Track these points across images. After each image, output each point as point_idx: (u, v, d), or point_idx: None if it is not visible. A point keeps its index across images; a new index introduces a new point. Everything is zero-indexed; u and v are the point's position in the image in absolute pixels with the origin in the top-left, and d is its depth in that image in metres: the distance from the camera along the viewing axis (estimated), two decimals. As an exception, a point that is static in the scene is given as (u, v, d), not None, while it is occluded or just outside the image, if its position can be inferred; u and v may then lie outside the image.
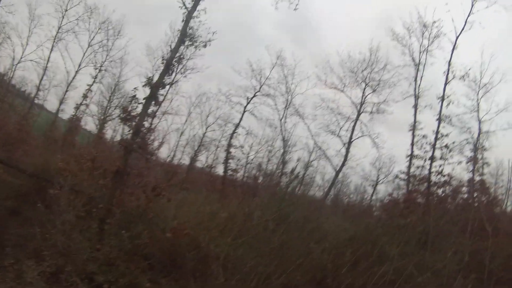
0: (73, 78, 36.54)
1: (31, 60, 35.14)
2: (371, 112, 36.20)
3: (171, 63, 13.92)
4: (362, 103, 36.17)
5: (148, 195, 13.41)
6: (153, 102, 13.78)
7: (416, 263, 12.34)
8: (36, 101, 36.04)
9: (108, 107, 37.75)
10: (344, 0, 65.63)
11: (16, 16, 34.96)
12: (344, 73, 36.66)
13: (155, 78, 13.84)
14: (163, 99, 14.53)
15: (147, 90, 13.68)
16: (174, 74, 14.36)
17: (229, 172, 34.27)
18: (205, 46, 14.53)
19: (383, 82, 35.63)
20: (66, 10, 36.24)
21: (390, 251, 12.42)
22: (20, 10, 35.19)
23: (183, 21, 14.20)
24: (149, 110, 13.82)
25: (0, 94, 30.56)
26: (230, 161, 34.65)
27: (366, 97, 36.33)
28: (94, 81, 36.36)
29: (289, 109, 37.68)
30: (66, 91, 36.27)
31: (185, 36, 14.12)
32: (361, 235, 13.89)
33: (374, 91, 36.15)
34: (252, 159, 36.52)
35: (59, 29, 36.10)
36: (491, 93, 31.53)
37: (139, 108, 13.75)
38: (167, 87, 14.41)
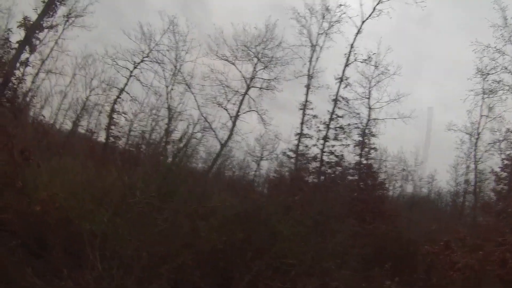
0: None
1: None
2: (260, 88, 36.77)
3: (53, 2, 12.45)
4: (252, 78, 36.62)
5: (16, 159, 12.02)
6: (27, 47, 12.27)
7: (314, 246, 12.41)
8: None
9: None
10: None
11: None
12: (236, 46, 36.59)
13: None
14: (39, 46, 12.91)
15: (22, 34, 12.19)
16: (55, 16, 12.87)
17: (111, 140, 33.20)
18: None
19: (276, 59, 36.28)
20: None
21: (284, 231, 12.33)
22: None
23: None
24: (22, 57, 12.31)
25: None
26: (112, 127, 33.52)
27: (256, 72, 36.81)
28: None
29: (177, 77, 36.82)
30: None
31: None
32: (251, 212, 13.76)
33: (265, 67, 36.75)
34: (135, 127, 35.62)
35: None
36: (384, 83, 33.95)
37: (11, 54, 12.25)
38: (46, 31, 12.90)
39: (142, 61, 35.27)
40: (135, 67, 34.94)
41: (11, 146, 12.13)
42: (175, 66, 36.58)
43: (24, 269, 8.09)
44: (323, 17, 34.70)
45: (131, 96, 34.91)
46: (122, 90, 34.41)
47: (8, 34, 12.22)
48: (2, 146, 12.11)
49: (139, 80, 35.35)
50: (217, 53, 36.58)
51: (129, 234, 10.05)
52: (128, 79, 34.58)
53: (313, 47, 34.66)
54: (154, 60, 35.94)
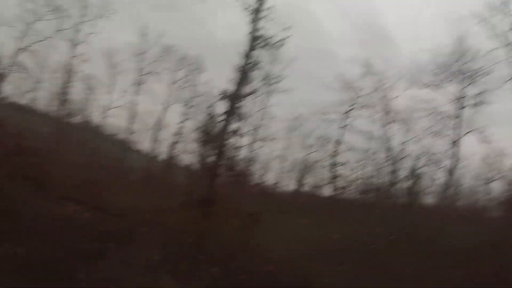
0: (162, 117, 37.79)
1: (119, 106, 37.18)
2: (473, 105, 32.88)
3: (246, 70, 12.70)
4: (461, 97, 33.23)
5: (244, 223, 12.05)
6: (234, 117, 12.59)
7: None
8: (128, 144, 37.36)
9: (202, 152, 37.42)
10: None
11: (95, 67, 37.31)
12: (436, 70, 33.36)
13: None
14: (247, 115, 13.30)
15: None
16: (252, 82, 13.12)
17: (336, 192, 32.86)
18: (281, 45, 13.21)
19: (476, 71, 32.35)
20: (142, 54, 37.79)
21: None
22: (98, 60, 38.06)
23: (251, 22, 13.09)
24: (232, 127, 12.65)
25: (92, 142, 32.10)
26: (335, 180, 33.54)
27: (464, 90, 33.30)
28: (184, 118, 37.40)
29: (387, 117, 35.32)
30: (157, 131, 37.47)
31: (256, 39, 12.94)
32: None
33: (471, 82, 32.99)
34: (358, 175, 34.91)
35: (139, 71, 37.70)
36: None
37: (219, 127, 12.73)
38: (248, 98, 13.13)
39: (349, 110, 35.46)
40: (344, 118, 35.27)
41: (239, 212, 12.27)
42: (383, 107, 35.40)
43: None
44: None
45: (348, 146, 35.06)
46: (338, 142, 34.88)
47: (212, 108, 12.87)
48: (231, 212, 12.33)
49: (352, 128, 35.43)
50: (419, 82, 33.78)
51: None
52: (341, 130, 35.04)
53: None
54: (361, 105, 35.62)
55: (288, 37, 13.60)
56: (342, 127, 35.29)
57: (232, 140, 12.85)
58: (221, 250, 11.28)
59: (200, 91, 38.11)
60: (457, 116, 32.87)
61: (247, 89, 13.00)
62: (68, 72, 34.89)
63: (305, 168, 35.79)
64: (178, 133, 36.39)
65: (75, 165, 17.81)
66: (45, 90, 35.16)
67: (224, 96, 12.61)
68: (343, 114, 35.45)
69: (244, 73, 12.84)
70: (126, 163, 31.92)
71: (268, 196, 17.62)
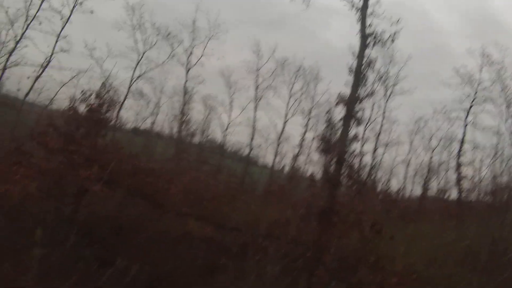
0: (282, 130, 38.57)
1: (238, 124, 38.58)
2: None
3: (360, 71, 11.95)
4: None
5: (366, 234, 11.18)
6: (353, 122, 11.88)
7: None
8: (250, 159, 38.34)
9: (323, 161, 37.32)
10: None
11: (212, 86, 38.96)
12: None
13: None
14: (366, 120, 12.56)
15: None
16: (369, 83, 12.31)
17: (463, 194, 31.10)
18: (392, 40, 12.28)
19: None
20: (257, 70, 39.24)
21: None
22: (214, 80, 39.56)
23: (358, 21, 12.34)
24: (351, 133, 11.94)
25: (213, 160, 32.94)
26: (461, 181, 31.64)
27: None
28: (305, 130, 37.35)
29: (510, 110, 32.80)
30: (278, 144, 38.22)
31: (366, 37, 12.15)
32: None
33: None
34: (485, 175, 33.33)
35: (256, 88, 39.03)
36: None
37: (338, 134, 12.10)
38: (365, 100, 12.34)
39: (471, 106, 33.74)
40: (467, 115, 33.68)
41: (360, 222, 11.45)
42: (505, 99, 32.99)
43: None
44: None
45: (473, 144, 33.75)
46: (462, 141, 33.40)
47: (330, 115, 12.34)
48: (352, 224, 11.57)
49: (475, 125, 33.65)
50: None
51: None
52: (464, 128, 33.55)
53: None
54: (483, 99, 33.64)
55: (399, 30, 12.61)
56: (465, 125, 33.66)
57: (353, 147, 12.11)
58: (342, 263, 10.56)
59: (318, 101, 38.02)
60: None
61: (363, 91, 12.23)
62: (185, 94, 36.54)
63: (430, 171, 33.98)
64: (300, 145, 36.55)
65: (195, 183, 18.06)
66: (164, 114, 37.24)
67: (341, 100, 11.96)
68: (466, 110, 33.77)
69: (358, 75, 12.11)
70: (248, 179, 32.33)
71: (392, 204, 16.43)
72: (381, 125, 33.93)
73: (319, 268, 10.13)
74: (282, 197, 25.05)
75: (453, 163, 33.87)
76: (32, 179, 10.86)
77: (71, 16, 29.46)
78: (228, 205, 17.79)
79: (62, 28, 29.21)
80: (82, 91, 14.40)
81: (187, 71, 36.51)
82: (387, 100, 34.90)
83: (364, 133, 21.94)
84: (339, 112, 12.22)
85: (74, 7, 29.60)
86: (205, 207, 16.27)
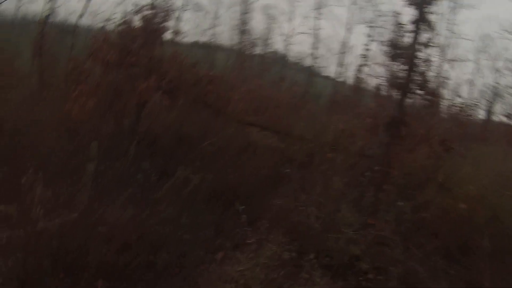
0: (346, 39, 36.19)
1: (301, 33, 36.15)
2: None
3: None
4: None
5: (436, 150, 10.51)
6: (423, 26, 10.77)
7: None
8: (313, 70, 36.53)
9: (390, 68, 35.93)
10: None
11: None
12: None
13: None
14: (436, 24, 11.21)
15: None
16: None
17: None
18: None
19: None
20: None
21: None
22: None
23: None
24: (422, 38, 10.86)
25: (276, 70, 32.21)
26: None
27: None
28: (369, 39, 35.44)
29: None
30: (342, 54, 36.18)
31: None
32: None
33: None
34: None
35: (319, -5, 36.45)
36: None
37: (408, 39, 11.04)
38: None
39: None
40: None
41: (429, 138, 10.75)
42: None
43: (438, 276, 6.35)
44: None
45: None
46: None
47: (399, 18, 11.15)
48: (421, 138, 10.89)
49: None
50: None
51: None
52: None
53: None
54: None
55: None
56: None
57: (423, 53, 11.04)
58: (409, 181, 10.02)
59: (383, 9, 35.77)
60: None
61: None
62: (246, 3, 35.18)
63: (496, 93, 31.69)
64: (364, 55, 34.96)
65: (258, 91, 17.67)
66: (224, 25, 36.06)
67: (411, 1, 10.80)
68: None
69: None
70: (312, 89, 31.58)
71: (459, 123, 15.43)
72: (448, 39, 31.28)
73: (386, 184, 9.65)
74: (347, 107, 24.32)
75: None
76: (91, 96, 10.77)
77: None
78: (293, 114, 17.45)
79: None
80: (134, 3, 14.01)
81: (246, -22, 34.84)
82: (453, 13, 32.07)
83: (434, 39, 20.02)
84: (409, 15, 11.12)
85: None
86: (269, 116, 16.00)
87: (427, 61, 10.95)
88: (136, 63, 12.28)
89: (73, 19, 27.44)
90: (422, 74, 10.96)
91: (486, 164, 11.31)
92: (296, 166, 12.31)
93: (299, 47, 38.94)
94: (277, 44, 38.46)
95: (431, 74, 11.43)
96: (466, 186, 9.30)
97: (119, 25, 14.14)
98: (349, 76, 36.27)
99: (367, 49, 35.26)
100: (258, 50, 36.21)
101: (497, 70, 32.84)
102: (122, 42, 12.83)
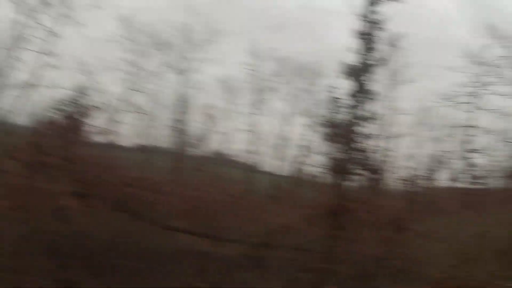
0: (283, 132, 37.27)
1: (239, 130, 36.90)
2: None
3: (369, 32, 10.26)
4: None
5: (387, 234, 9.44)
6: (363, 99, 10.18)
7: None
8: (253, 167, 36.67)
9: (328, 154, 36.27)
10: None
11: (212, 93, 39.03)
12: None
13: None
14: (377, 95, 10.67)
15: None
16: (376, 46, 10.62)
17: (477, 182, 29.08)
18: None
19: None
20: (257, 72, 37.01)
21: None
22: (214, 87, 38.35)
23: None
24: (362, 113, 10.23)
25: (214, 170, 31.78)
26: (472, 169, 29.62)
27: None
28: (307, 130, 36.08)
29: None
30: (280, 148, 37.08)
31: None
32: None
33: None
34: (498, 161, 30.64)
35: (256, 91, 37.20)
36: None
37: (347, 115, 10.40)
38: (375, 69, 10.59)
39: (478, 88, 31.36)
40: (474, 98, 31.43)
41: (379, 220, 9.73)
42: None
43: None
44: None
45: (483, 129, 30.91)
46: (469, 127, 31.36)
47: (334, 91, 10.56)
48: (368, 223, 9.86)
49: (485, 108, 31.25)
50: None
51: None
52: (474, 113, 31.54)
53: None
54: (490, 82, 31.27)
55: None
56: (472, 109, 31.72)
57: (364, 129, 10.34)
58: (358, 268, 8.86)
59: (320, 99, 36.60)
60: None
61: (372, 58, 10.52)
62: (183, 103, 35.00)
63: (440, 161, 32.38)
64: (303, 146, 35.00)
65: (191, 194, 16.39)
66: (161, 126, 35.40)
67: (347, 70, 10.26)
68: (473, 94, 31.62)
69: (367, 37, 10.39)
70: (250, 186, 30.76)
71: (409, 199, 14.75)
72: (385, 115, 31.98)
73: (333, 276, 8.40)
74: (286, 200, 23.52)
75: (461, 151, 31.69)
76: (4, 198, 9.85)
77: (59, 29, 28.18)
78: (228, 214, 16.32)
79: (49, 43, 27.78)
80: (59, 99, 13.03)
81: (184, 79, 35.10)
82: (390, 89, 33.20)
83: (373, 114, 19.10)
84: (345, 88, 10.58)
85: (61, 20, 28.29)
86: (201, 219, 14.80)
87: (367, 137, 10.28)
88: (51, 164, 11.10)
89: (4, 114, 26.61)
90: (363, 152, 10.20)
91: (445, 238, 10.39)
92: (236, 268, 11.09)
93: (237, 145, 38.55)
94: (215, 143, 38.28)
95: (373, 151, 10.75)
96: (427, 268, 8.25)
97: (38, 122, 13.05)
98: (288, 168, 36.05)
99: (305, 140, 35.60)
100: (195, 150, 35.62)
101: (437, 139, 33.79)
102: (38, 141, 11.70)
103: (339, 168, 9.97)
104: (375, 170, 10.34)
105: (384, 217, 9.89)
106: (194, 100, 36.09)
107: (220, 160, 36.03)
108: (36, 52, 26.31)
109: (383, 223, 9.63)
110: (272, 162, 37.83)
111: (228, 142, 37.10)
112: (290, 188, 29.19)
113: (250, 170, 35.54)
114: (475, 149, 30.52)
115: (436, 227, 12.15)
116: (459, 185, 29.91)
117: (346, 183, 9.86)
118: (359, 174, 10.11)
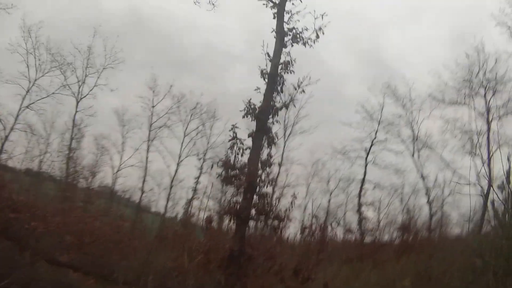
0: (176, 172, 36.10)
1: (130, 166, 35.72)
2: (499, 117, 30.29)
3: (276, 73, 10.25)
4: (488, 110, 30.90)
5: (291, 284, 9.13)
6: (264, 139, 9.99)
7: None
8: (142, 204, 35.35)
9: (223, 198, 36.22)
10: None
11: (104, 123, 39.27)
12: (459, 85, 31.92)
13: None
14: (276, 136, 10.66)
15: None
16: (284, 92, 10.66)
17: (368, 234, 30.20)
18: (317, 37, 10.97)
19: (501, 78, 30.31)
20: (153, 107, 36.55)
21: None
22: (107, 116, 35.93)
23: (274, 18, 10.96)
24: (263, 154, 10.02)
25: (101, 204, 30.13)
26: (363, 222, 31.46)
27: (489, 102, 30.91)
28: (200, 173, 35.27)
29: (416, 143, 33.71)
30: (172, 187, 35.70)
31: (283, 34, 10.70)
32: None
33: (494, 92, 30.85)
34: (389, 214, 32.46)
35: (150, 126, 36.30)
36: None
37: (246, 156, 10.14)
38: (280, 110, 10.54)
39: (372, 144, 33.90)
40: (368, 153, 33.68)
41: (279, 269, 9.38)
42: (413, 131, 33.70)
43: None
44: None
45: (373, 184, 33.31)
46: (362, 181, 33.14)
47: (233, 131, 10.34)
48: (270, 271, 9.47)
49: (376, 164, 33.78)
50: (444, 100, 32.50)
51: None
52: (365, 168, 33.50)
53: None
54: (384, 139, 34.02)
55: (324, 25, 11.23)
56: (366, 164, 33.69)
57: (264, 173, 10.08)
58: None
59: (214, 141, 36.35)
60: (487, 131, 30.37)
61: (277, 100, 10.48)
62: (75, 128, 33.30)
63: (330, 213, 33.43)
64: (194, 189, 34.31)
65: (77, 226, 15.05)
66: (53, 152, 33.15)
67: (250, 110, 10.05)
68: (365, 149, 33.99)
69: (273, 78, 10.34)
70: (139, 225, 29.34)
71: (311, 248, 14.64)
72: (280, 166, 32.48)
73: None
74: (176, 243, 22.57)
75: (353, 204, 33.55)
76: None
77: None
78: (116, 251, 15.18)
79: None
80: None
81: (78, 101, 33.43)
82: (286, 139, 33.96)
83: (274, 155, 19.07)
84: (246, 127, 10.38)
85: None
86: (87, 254, 13.58)
87: (269, 183, 10.05)
88: None
89: None
90: (263, 196, 9.92)
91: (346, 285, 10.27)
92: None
93: (128, 180, 36.90)
94: (106, 176, 36.56)
95: (273, 197, 10.58)
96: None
97: None
98: (179, 210, 34.99)
99: (197, 183, 34.88)
100: (85, 180, 33.64)
101: (328, 191, 34.94)
102: None
103: (235, 211, 9.57)
104: (276, 217, 10.04)
105: (284, 265, 9.57)
106: (88, 128, 34.60)
107: (110, 194, 34.27)
108: None
109: (284, 271, 9.29)
110: (163, 203, 36.29)
111: (119, 177, 35.41)
112: (181, 230, 28.18)
113: (139, 208, 34.14)
114: (367, 203, 32.24)
115: (335, 276, 12.08)
116: (352, 237, 31.05)
117: (244, 227, 9.44)
118: (259, 220, 9.78)
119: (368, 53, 57.08)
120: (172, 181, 35.60)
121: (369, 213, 32.20)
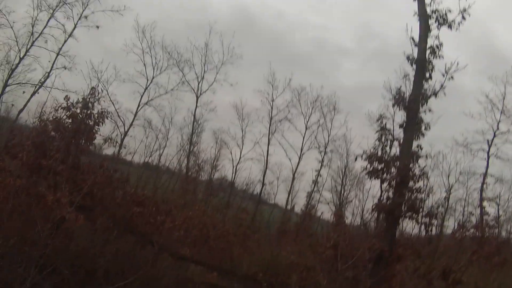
0: (297, 166, 35.33)
1: (250, 159, 35.49)
2: None
3: (424, 58, 9.09)
4: None
5: (437, 286, 7.93)
6: (417, 130, 8.86)
7: None
8: (262, 197, 35.22)
9: (342, 191, 35.44)
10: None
11: (224, 119, 39.10)
12: None
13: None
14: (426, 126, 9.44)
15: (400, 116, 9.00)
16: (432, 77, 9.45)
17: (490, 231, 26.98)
18: (463, 18, 9.62)
19: None
20: (273, 101, 35.92)
21: None
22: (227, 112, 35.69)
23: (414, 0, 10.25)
24: (414, 146, 8.89)
25: (223, 197, 30.08)
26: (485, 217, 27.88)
27: None
28: (321, 166, 34.79)
29: None
30: (293, 180, 35.11)
31: (427, 17, 9.47)
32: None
33: None
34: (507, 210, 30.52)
35: (271, 120, 35.74)
36: None
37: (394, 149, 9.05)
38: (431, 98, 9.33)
39: (494, 136, 31.13)
40: (490, 145, 31.03)
41: (430, 270, 8.19)
42: None
43: None
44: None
45: (495, 178, 30.97)
46: (484, 175, 30.73)
47: (383, 121, 9.27)
48: (416, 273, 8.32)
49: (499, 157, 31.09)
50: None
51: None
52: (487, 161, 31.03)
53: None
54: (507, 130, 30.80)
55: (467, 8, 9.90)
56: (488, 157, 31.14)
57: (415, 166, 9.00)
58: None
59: (335, 134, 35.34)
60: None
61: (427, 87, 9.34)
62: (195, 123, 34.17)
63: (447, 208, 31.15)
64: (315, 182, 33.62)
65: (200, 220, 14.87)
66: (173, 147, 34.11)
67: (399, 100, 9.00)
68: (487, 142, 31.31)
69: (422, 64, 9.22)
70: (260, 218, 29.15)
71: (466, 247, 13.06)
72: (428, 158, 30.76)
73: None
74: (298, 237, 21.87)
75: (472, 199, 32.04)
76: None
77: (76, 31, 27.92)
78: (237, 245, 14.79)
79: (64, 43, 27.21)
80: (65, 97, 11.64)
81: (198, 97, 34.07)
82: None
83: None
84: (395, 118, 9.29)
85: (79, 19, 27.93)
86: (210, 248, 13.33)
87: (420, 175, 8.91)
88: (54, 169, 9.87)
89: (13, 111, 25.90)
90: (414, 191, 8.77)
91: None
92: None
93: (248, 174, 36.99)
94: (226, 170, 36.95)
95: (425, 192, 9.35)
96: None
97: (41, 120, 11.74)
98: (299, 204, 34.53)
99: (319, 175, 34.04)
100: (205, 174, 34.30)
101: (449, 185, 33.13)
102: (43, 142, 10.43)
103: (385, 207, 8.49)
104: (428, 214, 8.87)
105: (436, 267, 8.35)
106: (207, 123, 35.42)
107: (230, 188, 34.73)
108: (51, 51, 26.84)
109: (435, 275, 8.09)
110: (281, 195, 36.47)
111: (239, 170, 35.54)
112: (302, 224, 27.46)
113: (260, 201, 34.20)
114: (488, 198, 29.50)
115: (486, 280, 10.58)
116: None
117: (395, 226, 8.35)
118: (412, 218, 8.64)
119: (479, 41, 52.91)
120: (294, 174, 35.11)
121: (490, 208, 29.22)
